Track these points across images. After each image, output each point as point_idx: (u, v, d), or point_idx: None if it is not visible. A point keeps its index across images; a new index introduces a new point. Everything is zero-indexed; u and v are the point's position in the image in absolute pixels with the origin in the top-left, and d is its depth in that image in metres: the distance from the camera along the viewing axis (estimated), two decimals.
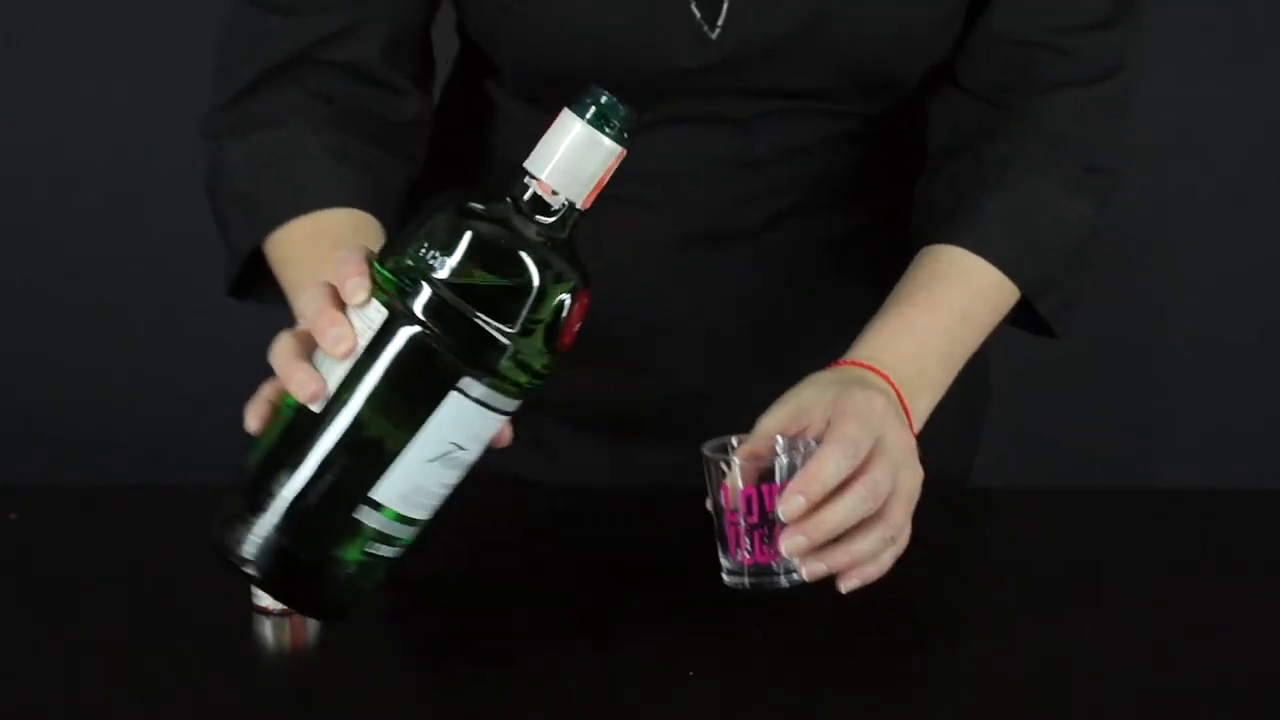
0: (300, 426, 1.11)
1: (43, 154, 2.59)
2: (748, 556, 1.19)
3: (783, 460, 1.19)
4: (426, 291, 1.09)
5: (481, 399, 1.11)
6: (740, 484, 1.19)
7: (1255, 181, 2.63)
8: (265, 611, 1.23)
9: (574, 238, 1.13)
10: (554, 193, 1.12)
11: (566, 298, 1.11)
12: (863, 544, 1.19)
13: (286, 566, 1.12)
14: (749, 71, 1.38)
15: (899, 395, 1.27)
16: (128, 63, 2.56)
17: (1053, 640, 1.23)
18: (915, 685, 1.19)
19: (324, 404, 1.11)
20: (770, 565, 1.19)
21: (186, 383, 2.57)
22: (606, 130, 1.12)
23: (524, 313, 1.10)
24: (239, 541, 1.11)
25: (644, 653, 1.19)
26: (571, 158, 1.12)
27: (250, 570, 1.12)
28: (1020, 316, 1.42)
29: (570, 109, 1.12)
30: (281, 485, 1.11)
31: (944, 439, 1.55)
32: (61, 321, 2.61)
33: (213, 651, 1.19)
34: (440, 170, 1.55)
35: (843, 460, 1.17)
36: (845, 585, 1.20)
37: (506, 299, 1.10)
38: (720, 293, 1.46)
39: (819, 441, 1.19)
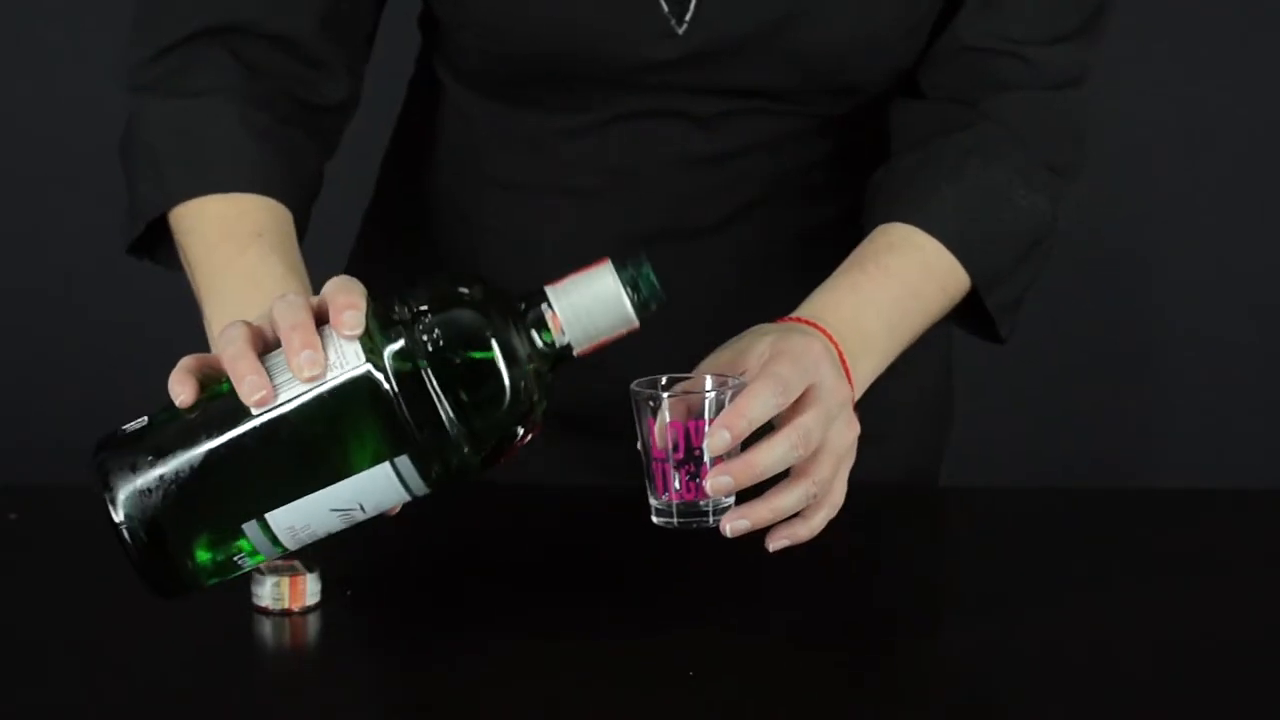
0: (227, 415, 1.11)
1: (43, 154, 2.58)
2: (675, 494, 1.17)
3: (711, 397, 1.17)
4: (413, 366, 1.09)
5: (405, 477, 1.11)
6: (668, 419, 1.17)
7: (1254, 181, 2.63)
8: (265, 611, 1.23)
9: (555, 376, 1.14)
10: (561, 331, 1.13)
11: (522, 431, 1.12)
12: (786, 499, 1.18)
13: (150, 538, 1.11)
14: (714, 68, 1.38)
15: (840, 355, 1.26)
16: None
17: (1049, 640, 1.23)
18: (908, 686, 1.19)
19: (264, 412, 1.10)
20: (698, 503, 1.17)
21: None
22: (635, 300, 1.13)
23: (486, 428, 1.11)
24: (121, 488, 1.11)
25: (644, 653, 1.19)
26: (592, 309, 1.13)
27: (116, 522, 1.11)
28: (966, 316, 1.42)
29: (614, 263, 1.13)
30: (187, 461, 1.10)
31: (911, 438, 1.55)
32: (62, 322, 2.61)
33: (213, 651, 1.19)
34: (403, 169, 1.55)
35: (771, 397, 1.16)
36: (773, 544, 1.19)
37: (479, 410, 1.10)
38: (680, 289, 1.46)
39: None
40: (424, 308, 1.11)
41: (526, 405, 1.11)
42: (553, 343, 1.13)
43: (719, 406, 1.17)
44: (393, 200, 1.58)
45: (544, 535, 1.37)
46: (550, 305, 1.13)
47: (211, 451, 1.11)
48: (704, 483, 1.16)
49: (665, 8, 1.37)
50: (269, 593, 1.22)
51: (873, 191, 1.42)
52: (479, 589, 1.28)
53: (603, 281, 1.13)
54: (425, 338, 1.10)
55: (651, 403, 1.18)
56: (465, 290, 1.12)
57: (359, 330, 1.10)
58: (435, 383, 1.09)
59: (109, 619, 1.23)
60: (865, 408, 1.31)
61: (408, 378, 1.09)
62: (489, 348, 1.11)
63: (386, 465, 1.10)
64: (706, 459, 1.16)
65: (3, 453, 2.54)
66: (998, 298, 1.40)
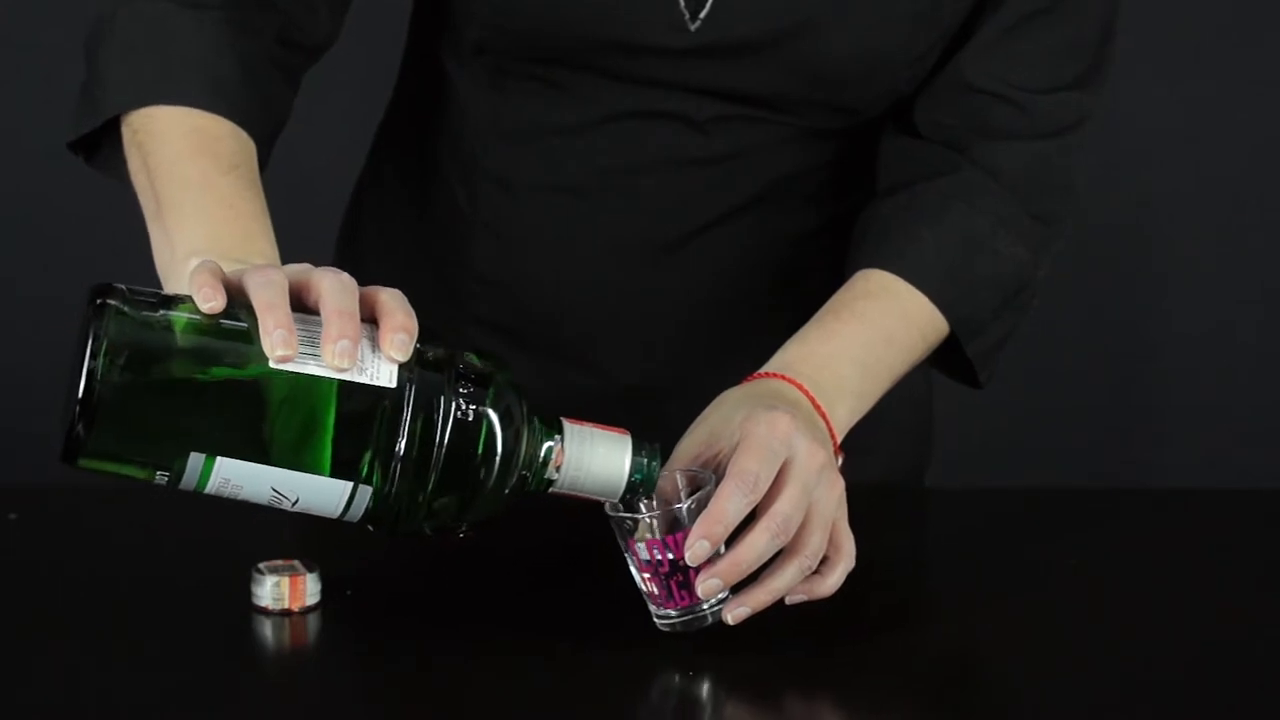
0: (239, 345, 1.08)
1: (42, 153, 2.58)
2: (670, 603, 1.18)
3: (684, 507, 1.18)
4: (435, 417, 1.09)
5: (354, 503, 1.11)
6: (650, 536, 1.18)
7: (1255, 181, 2.63)
8: (265, 611, 1.23)
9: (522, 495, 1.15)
10: (556, 469, 1.15)
11: (464, 529, 1.13)
12: (780, 580, 1.19)
13: (102, 404, 1.06)
14: (718, 69, 1.38)
15: (814, 403, 1.26)
16: None
17: (1045, 640, 1.23)
18: (907, 685, 1.19)
19: (278, 371, 1.08)
20: (696, 607, 1.18)
21: None
22: (631, 481, 1.15)
23: (448, 507, 1.12)
24: (112, 339, 1.07)
25: (643, 653, 1.19)
26: (593, 470, 1.15)
27: (88, 367, 1.06)
28: (944, 360, 1.42)
29: (635, 442, 1.15)
30: (183, 365, 1.07)
31: (895, 449, 1.55)
32: (62, 322, 2.60)
33: (213, 651, 1.19)
34: (395, 156, 1.55)
35: (741, 498, 1.16)
36: (792, 600, 1.20)
37: (453, 487, 1.11)
38: (667, 290, 1.46)
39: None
40: (466, 373, 1.11)
41: (489, 511, 1.13)
42: (543, 474, 1.15)
43: (696, 513, 1.17)
44: (382, 187, 1.57)
45: (544, 535, 1.37)
46: (563, 444, 1.14)
47: (207, 372, 1.07)
48: (696, 587, 1.17)
49: (681, 3, 1.36)
50: (269, 593, 1.22)
51: (857, 234, 1.42)
52: (478, 589, 1.28)
53: (617, 453, 1.15)
54: (459, 403, 1.10)
55: (629, 524, 1.19)
56: (507, 378, 1.13)
57: (404, 358, 1.09)
58: (442, 447, 1.10)
59: (108, 619, 1.23)
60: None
61: (424, 427, 1.09)
62: (499, 450, 1.11)
63: (349, 485, 1.10)
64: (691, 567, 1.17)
65: (3, 453, 2.54)
66: (977, 346, 1.40)
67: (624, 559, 1.20)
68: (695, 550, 1.16)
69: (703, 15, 1.37)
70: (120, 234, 2.63)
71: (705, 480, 1.19)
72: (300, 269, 1.12)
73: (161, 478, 1.10)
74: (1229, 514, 1.48)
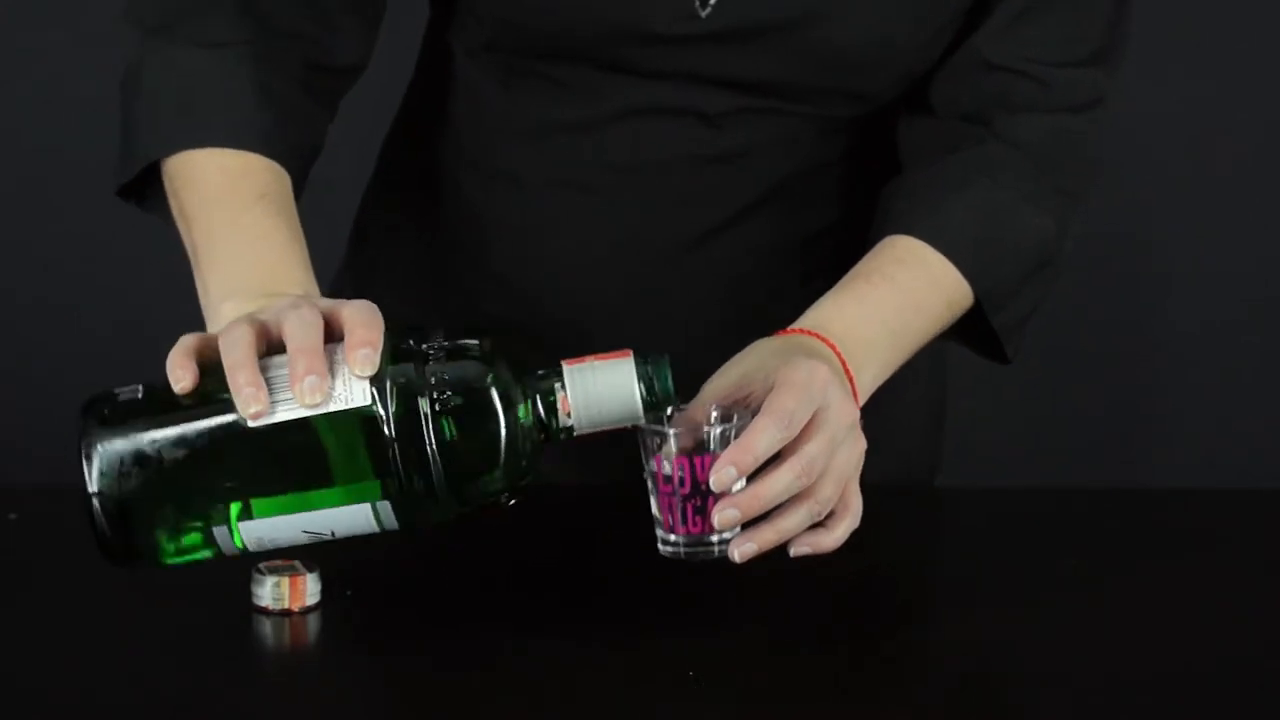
0: (223, 427, 1.10)
1: (42, 153, 2.58)
2: (681, 527, 1.18)
3: (716, 431, 1.18)
4: (418, 420, 1.09)
5: (381, 519, 1.12)
6: (674, 454, 1.18)
7: (1256, 181, 2.63)
8: (265, 611, 1.23)
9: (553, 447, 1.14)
10: (568, 414, 1.13)
11: (504, 499, 1.13)
12: (789, 520, 1.19)
13: (119, 515, 1.11)
14: (729, 56, 1.38)
15: (844, 365, 1.27)
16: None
17: (1044, 641, 1.23)
18: (909, 686, 1.19)
19: (260, 425, 1.10)
20: (705, 536, 1.19)
21: None
22: (646, 399, 1.13)
23: (473, 493, 1.11)
24: (101, 459, 1.10)
25: (643, 653, 1.19)
26: (603, 399, 1.13)
27: (89, 491, 1.10)
28: (970, 333, 1.42)
29: (636, 357, 1.13)
30: (174, 451, 1.10)
31: (906, 447, 1.55)
32: (61, 322, 2.61)
33: (213, 651, 1.19)
34: (407, 154, 1.55)
35: (776, 432, 1.17)
36: (795, 550, 1.20)
37: (470, 475, 1.11)
38: (680, 287, 1.47)
39: (757, 412, 1.18)
40: (438, 359, 1.11)
41: (516, 477, 1.12)
42: (557, 423, 1.14)
43: (725, 441, 1.18)
44: (395, 185, 1.57)
45: (544, 535, 1.37)
46: (563, 386, 1.13)
47: (199, 450, 1.10)
48: (713, 515, 1.17)
49: None
50: (269, 593, 1.22)
51: (882, 205, 1.42)
52: (479, 589, 1.28)
53: (620, 375, 1.13)
54: (435, 393, 1.10)
55: (658, 438, 1.18)
56: (481, 349, 1.12)
57: (371, 372, 1.10)
58: (434, 441, 1.09)
59: (108, 619, 1.23)
60: (864, 418, 1.31)
61: (408, 430, 1.09)
62: (495, 420, 1.11)
63: (367, 506, 1.11)
64: (712, 493, 1.17)
65: (3, 453, 2.54)
66: (1003, 318, 1.40)
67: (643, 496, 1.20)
68: (721, 476, 1.16)
69: (713, 1, 1.37)
70: (121, 234, 2.63)
71: (740, 415, 1.19)
72: (274, 311, 1.14)
73: (206, 554, 1.13)
74: (1229, 514, 1.48)
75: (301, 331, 1.11)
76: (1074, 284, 1.44)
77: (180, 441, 1.10)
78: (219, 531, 1.12)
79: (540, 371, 1.14)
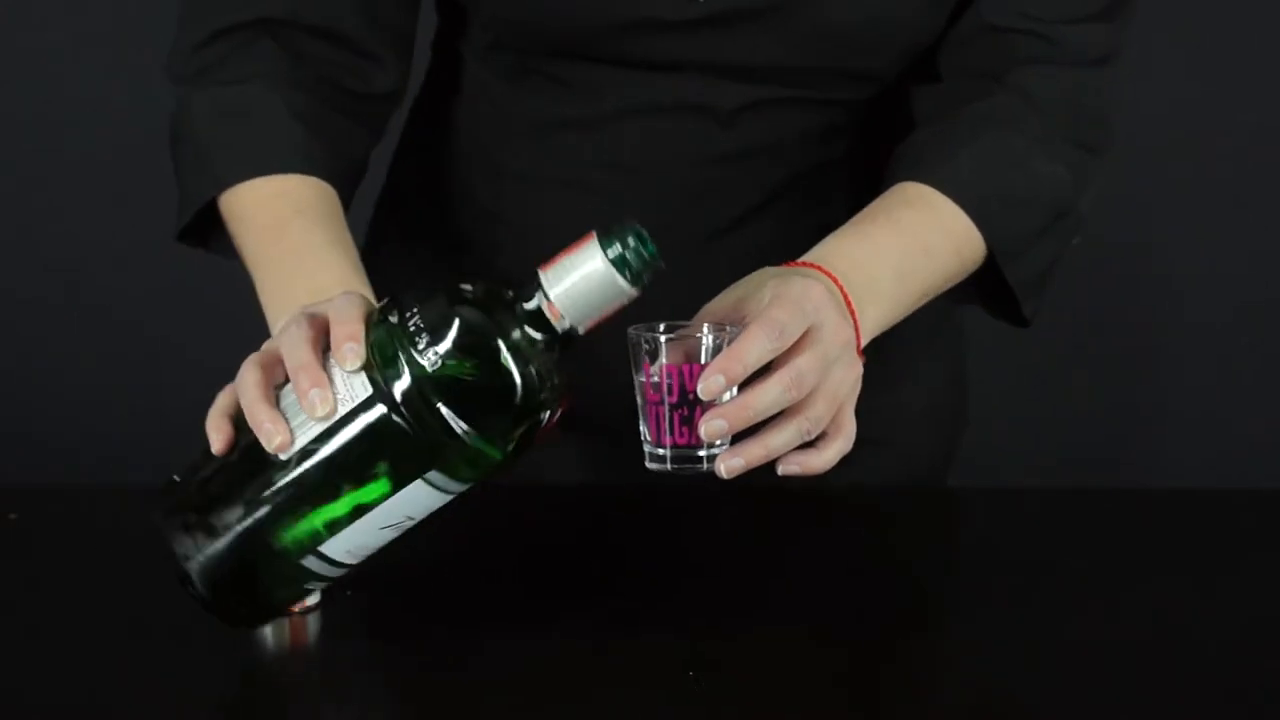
0: (264, 466, 1.12)
1: (42, 153, 2.59)
2: (668, 438, 1.17)
3: (708, 340, 1.17)
4: (416, 386, 1.09)
5: (440, 486, 1.12)
6: (664, 363, 1.17)
7: (1255, 181, 2.63)
8: None
9: (564, 349, 1.13)
10: (561, 318, 1.12)
11: (545, 415, 1.12)
12: (778, 437, 1.18)
13: (225, 593, 1.15)
14: (729, 41, 1.38)
15: (846, 299, 1.26)
16: (124, 60, 2.55)
17: (1045, 642, 1.23)
18: (911, 686, 1.19)
19: (293, 454, 1.11)
20: (693, 449, 1.17)
21: (187, 383, 2.56)
22: (627, 274, 1.12)
23: (505, 427, 1.11)
24: (185, 556, 1.14)
25: (644, 653, 1.19)
26: (586, 290, 1.12)
27: (190, 587, 1.14)
28: (987, 293, 1.41)
29: (600, 239, 1.12)
30: (237, 520, 1.13)
31: (919, 444, 1.55)
32: (61, 322, 2.61)
33: (213, 651, 1.19)
34: (418, 157, 1.55)
35: (766, 342, 1.16)
36: (783, 468, 1.19)
37: (491, 412, 1.10)
38: (690, 286, 1.46)
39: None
40: (421, 321, 1.11)
41: (540, 395, 1.11)
42: (554, 331, 1.12)
43: (716, 351, 1.17)
44: (407, 187, 1.58)
45: (544, 535, 1.37)
46: (546, 295, 1.12)
47: (254, 501, 1.12)
48: (699, 425, 1.16)
49: None
50: None
51: (894, 160, 1.42)
52: (479, 589, 1.28)
53: (592, 262, 1.12)
54: (428, 357, 1.09)
55: (648, 345, 1.18)
56: (462, 294, 1.12)
57: (359, 364, 1.10)
58: (444, 401, 1.09)
59: (108, 619, 1.23)
60: (874, 413, 1.30)
61: (416, 403, 1.09)
62: (491, 356, 1.10)
63: (419, 482, 1.11)
64: (700, 402, 1.16)
65: (3, 453, 2.54)
66: (1018, 271, 1.39)
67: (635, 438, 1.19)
68: (709, 384, 1.16)
69: None
70: (121, 234, 2.63)
71: (732, 329, 1.18)
72: (277, 336, 1.15)
73: (320, 583, 1.16)
74: (1229, 514, 1.48)
75: (293, 349, 1.12)
76: (1075, 284, 1.44)
77: (235, 504, 1.13)
78: (313, 564, 1.13)
79: (521, 291, 1.13)
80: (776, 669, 1.18)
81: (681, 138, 1.42)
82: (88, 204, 2.59)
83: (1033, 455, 2.59)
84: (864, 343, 1.26)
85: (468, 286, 1.12)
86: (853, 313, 1.25)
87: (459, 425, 1.09)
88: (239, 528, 1.12)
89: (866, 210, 1.35)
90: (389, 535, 1.14)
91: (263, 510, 1.12)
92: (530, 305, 1.12)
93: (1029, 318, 1.42)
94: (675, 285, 1.46)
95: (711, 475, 1.18)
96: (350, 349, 1.11)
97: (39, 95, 2.57)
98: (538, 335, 1.12)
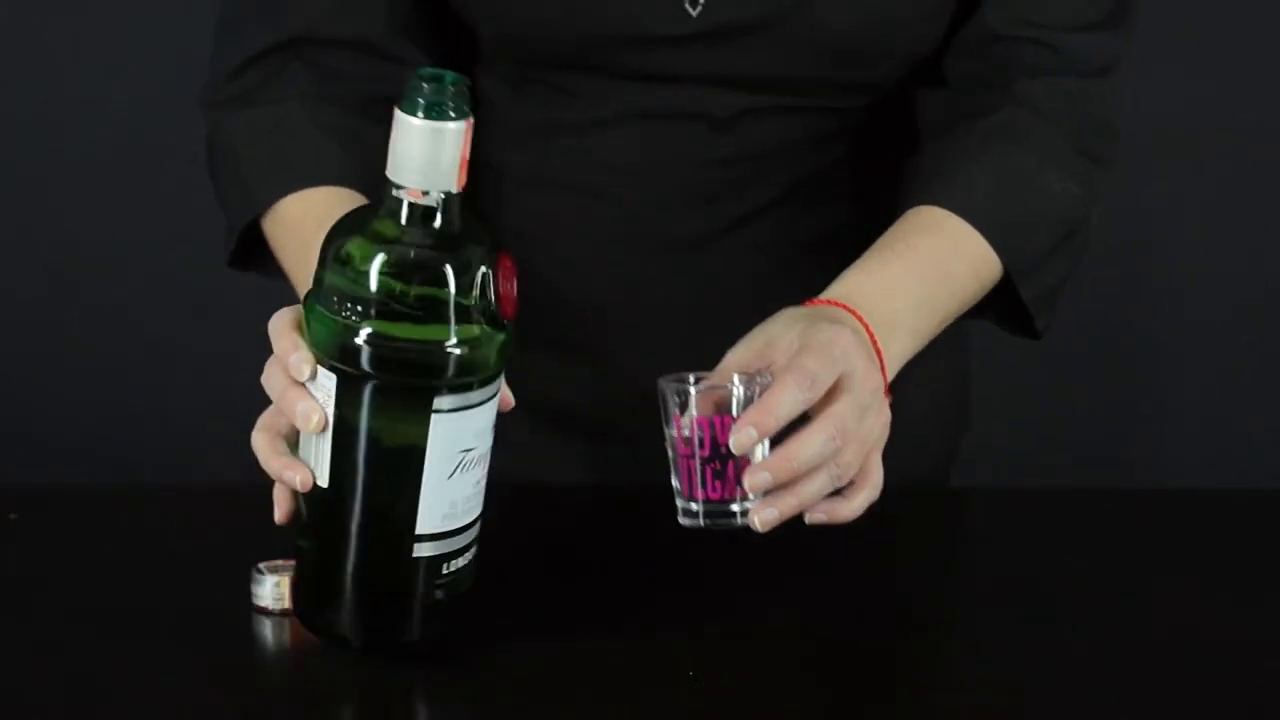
0: (324, 508, 1.13)
1: (42, 153, 2.58)
2: (700, 492, 1.17)
3: (738, 392, 1.17)
4: (360, 344, 1.09)
5: (461, 404, 1.11)
6: (695, 416, 1.16)
7: (1255, 181, 2.63)
8: (265, 611, 1.23)
9: (463, 216, 1.11)
10: (425, 193, 1.10)
11: (482, 272, 1.11)
12: (811, 486, 1.17)
13: (385, 630, 1.14)
14: (726, 53, 1.38)
15: (871, 336, 1.26)
16: (126, 61, 2.55)
17: (1045, 642, 1.23)
18: (910, 687, 1.19)
19: (328, 478, 1.12)
20: (725, 502, 1.17)
21: (187, 383, 2.57)
22: (447, 114, 1.10)
23: (454, 315, 1.10)
24: (335, 630, 1.14)
25: (644, 653, 1.19)
26: (426, 155, 1.10)
27: (359, 649, 1.15)
28: (1000, 309, 1.42)
29: (401, 109, 1.10)
30: (340, 570, 1.13)
31: (922, 442, 1.55)
32: (61, 322, 2.61)
33: (214, 651, 1.19)
34: None
35: (799, 393, 1.16)
36: (810, 518, 1.19)
37: (432, 314, 1.10)
38: (690, 290, 1.46)
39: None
40: (327, 290, 1.11)
41: (463, 264, 1.10)
42: (431, 207, 1.10)
43: (747, 402, 1.16)
44: None
45: (544, 535, 1.37)
46: (399, 187, 1.10)
47: (337, 540, 1.13)
48: (743, 479, 1.15)
49: None
50: (269, 593, 1.22)
51: (905, 176, 1.42)
52: (479, 589, 1.28)
53: (413, 130, 1.09)
54: (345, 312, 1.09)
55: (678, 398, 1.17)
56: (338, 242, 1.11)
57: (309, 368, 1.12)
58: (383, 337, 1.09)
59: (108, 619, 1.23)
60: None
61: (367, 354, 1.09)
62: (387, 268, 1.09)
63: (434, 416, 1.10)
64: (733, 456, 1.16)
65: (3, 453, 2.54)
66: (1032, 288, 1.39)
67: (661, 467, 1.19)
68: (741, 438, 1.15)
69: (702, 1, 1.36)
70: (121, 235, 2.63)
71: (762, 378, 1.17)
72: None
73: (453, 557, 1.15)
74: (1229, 514, 1.48)
75: (271, 385, 1.15)
76: (1075, 284, 1.44)
77: (324, 556, 1.14)
78: (424, 550, 1.13)
79: (386, 208, 1.11)
80: (776, 669, 1.18)
81: (679, 142, 1.42)
82: (88, 204, 2.58)
83: (1033, 455, 2.58)
84: (891, 375, 1.27)
85: (345, 233, 1.11)
86: (878, 351, 1.25)
87: (418, 345, 1.09)
88: (348, 578, 1.13)
89: (884, 238, 1.34)
90: (465, 477, 1.12)
91: (351, 546, 1.12)
92: (399, 208, 1.10)
93: (1041, 331, 1.42)
94: (675, 286, 1.46)
95: (745, 529, 1.17)
96: (296, 358, 1.12)
97: (39, 95, 2.56)
98: (425, 225, 1.10)
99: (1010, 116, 1.39)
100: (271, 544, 1.25)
